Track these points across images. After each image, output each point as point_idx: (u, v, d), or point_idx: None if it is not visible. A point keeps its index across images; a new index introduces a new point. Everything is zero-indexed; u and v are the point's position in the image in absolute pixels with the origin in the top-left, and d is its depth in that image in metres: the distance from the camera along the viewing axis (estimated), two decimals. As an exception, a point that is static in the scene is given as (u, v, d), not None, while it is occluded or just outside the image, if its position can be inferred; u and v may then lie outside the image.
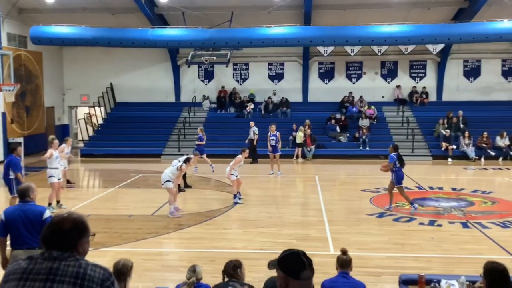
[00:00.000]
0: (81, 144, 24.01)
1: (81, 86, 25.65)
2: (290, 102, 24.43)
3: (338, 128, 22.56)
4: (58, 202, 12.07)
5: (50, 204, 11.52)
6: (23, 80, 21.39)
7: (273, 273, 2.82)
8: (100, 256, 7.55)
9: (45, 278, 2.46)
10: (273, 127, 17.98)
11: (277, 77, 25.54)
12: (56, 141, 12.39)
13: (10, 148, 11.30)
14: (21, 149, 11.35)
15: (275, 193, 14.65)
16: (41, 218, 5.54)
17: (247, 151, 13.21)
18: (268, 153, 17.68)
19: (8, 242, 5.76)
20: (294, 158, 20.95)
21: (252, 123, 20.28)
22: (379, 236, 9.70)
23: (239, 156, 12.72)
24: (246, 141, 19.67)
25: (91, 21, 21.19)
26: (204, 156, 16.82)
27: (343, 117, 22.97)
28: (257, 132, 19.81)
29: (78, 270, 2.48)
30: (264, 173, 17.39)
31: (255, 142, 19.68)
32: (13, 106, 21.37)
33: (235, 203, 12.41)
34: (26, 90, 22.36)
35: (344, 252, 5.09)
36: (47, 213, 5.63)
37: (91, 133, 24.58)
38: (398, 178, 11.51)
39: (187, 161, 11.67)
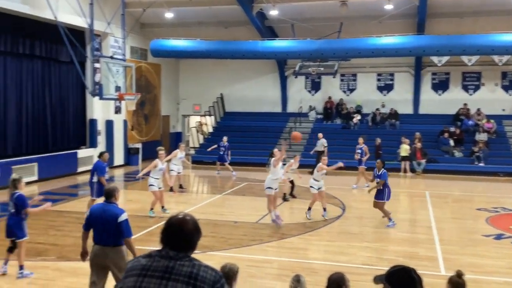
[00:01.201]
0: (192, 151, 25.21)
1: (194, 96, 27.06)
2: (400, 114, 23.61)
3: (452, 142, 21.32)
4: (162, 207, 12.51)
5: (151, 209, 12.18)
6: (143, 90, 23.01)
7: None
8: (207, 259, 7.78)
9: (161, 276, 2.62)
10: (361, 140, 17.45)
11: (386, 88, 24.84)
12: (162, 152, 12.87)
13: (99, 154, 12.15)
14: (107, 155, 12.00)
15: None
16: (116, 221, 5.84)
17: (326, 158, 12.83)
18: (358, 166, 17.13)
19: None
20: (402, 172, 20.15)
21: (320, 135, 19.89)
22: (496, 259, 8.99)
23: (320, 164, 12.42)
24: (312, 152, 19.77)
25: (205, 34, 22.29)
26: (227, 164, 19.39)
27: (457, 131, 21.67)
28: (326, 144, 19.33)
29: (192, 270, 2.61)
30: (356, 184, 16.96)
31: (324, 155, 17.20)
32: (133, 114, 23.12)
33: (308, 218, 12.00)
34: (145, 100, 24.06)
35: (459, 275, 4.76)
36: (123, 217, 5.90)
37: (201, 141, 25.75)
38: (389, 194, 11.43)
39: (271, 155, 12.12)
